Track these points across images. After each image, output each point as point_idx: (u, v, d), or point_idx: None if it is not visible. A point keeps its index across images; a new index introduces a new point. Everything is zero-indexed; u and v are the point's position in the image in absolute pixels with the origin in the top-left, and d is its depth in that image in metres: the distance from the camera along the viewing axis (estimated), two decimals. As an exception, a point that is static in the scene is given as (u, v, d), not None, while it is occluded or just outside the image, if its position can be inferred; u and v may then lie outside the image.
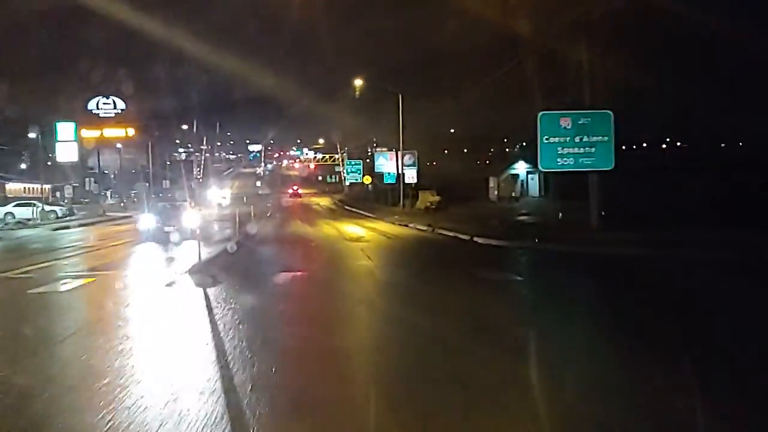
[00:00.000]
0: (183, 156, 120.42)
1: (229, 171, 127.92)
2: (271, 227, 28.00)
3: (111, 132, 57.58)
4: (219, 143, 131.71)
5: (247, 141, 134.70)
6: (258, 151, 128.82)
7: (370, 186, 69.68)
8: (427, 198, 40.98)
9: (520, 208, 39.28)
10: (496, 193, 45.25)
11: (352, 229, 27.37)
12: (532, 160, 47.90)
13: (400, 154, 40.86)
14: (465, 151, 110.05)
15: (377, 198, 59.88)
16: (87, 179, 41.93)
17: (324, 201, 67.55)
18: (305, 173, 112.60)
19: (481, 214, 34.36)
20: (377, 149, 75.98)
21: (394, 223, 30.66)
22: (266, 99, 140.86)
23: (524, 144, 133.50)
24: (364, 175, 63.74)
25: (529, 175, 46.35)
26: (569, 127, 21.22)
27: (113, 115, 59.64)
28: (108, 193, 52.51)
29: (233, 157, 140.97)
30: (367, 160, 75.53)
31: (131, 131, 60.04)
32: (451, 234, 22.14)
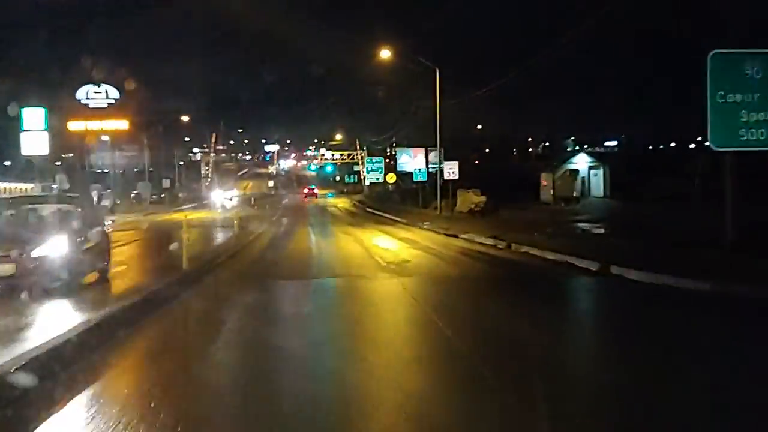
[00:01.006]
0: (198, 156, 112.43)
1: (243, 172, 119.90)
2: (264, 242, 18.95)
3: (101, 125, 49.33)
4: (232, 142, 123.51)
5: (263, 141, 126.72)
6: (272, 152, 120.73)
7: (391, 186, 61.18)
8: (470, 199, 31.89)
9: (587, 212, 30.07)
10: (551, 192, 35.98)
11: (383, 242, 18.42)
12: (595, 152, 38.45)
13: (437, 144, 31.73)
14: (487, 151, 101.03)
15: (403, 199, 51.06)
16: (58, 177, 33.39)
17: (342, 202, 58.63)
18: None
19: (546, 220, 25.42)
20: (396, 147, 67.16)
21: (437, 233, 21.65)
22: (284, 98, 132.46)
23: (547, 144, 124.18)
24: (387, 174, 54.71)
25: (592, 171, 37.00)
26: (758, 75, 12.05)
27: (105, 105, 51.36)
28: (95, 194, 43.97)
29: (248, 157, 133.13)
30: (389, 161, 66.69)
31: (125, 124, 51.75)
32: (549, 257, 12.99)
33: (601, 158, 36.47)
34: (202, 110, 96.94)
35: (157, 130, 68.24)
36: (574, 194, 35.56)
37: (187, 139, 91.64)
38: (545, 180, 37.16)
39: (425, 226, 24.23)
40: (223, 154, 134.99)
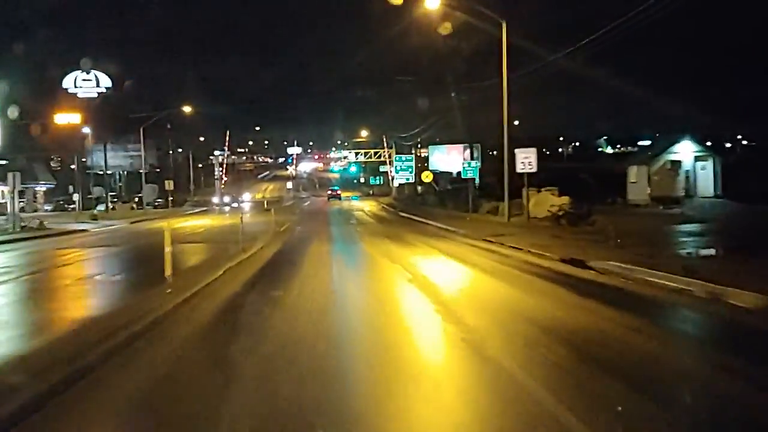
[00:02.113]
0: (220, 159, 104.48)
1: (264, 174, 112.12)
2: (237, 285, 9.08)
3: (91, 117, 40.96)
4: (251, 142, 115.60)
5: (285, 142, 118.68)
6: (292, 155, 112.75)
7: (421, 187, 52.69)
8: (548, 200, 22.74)
9: (712, 218, 20.63)
10: (647, 191, 26.53)
11: (471, 285, 9.42)
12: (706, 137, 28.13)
13: (505, 116, 22.39)
14: (515, 151, 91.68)
15: (441, 201, 42.01)
16: (11, 175, 24.91)
17: (369, 205, 49.57)
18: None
19: (669, 231, 16.45)
20: (421, 149, 58.39)
21: (541, 256, 12.48)
22: (307, 99, 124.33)
23: (578, 144, 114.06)
24: (422, 172, 45.60)
25: (699, 163, 27.29)
26: None
27: (96, 95, 43.21)
28: (76, 197, 35.74)
29: (270, 160, 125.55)
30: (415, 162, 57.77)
31: (119, 117, 43.42)
32: None
33: (710, 147, 26.62)
34: (220, 110, 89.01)
35: (165, 127, 60.06)
36: (681, 193, 26.04)
37: (202, 138, 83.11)
38: (635, 176, 27.67)
39: (507, 243, 15.04)
40: (244, 157, 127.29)
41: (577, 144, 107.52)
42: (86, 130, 34.12)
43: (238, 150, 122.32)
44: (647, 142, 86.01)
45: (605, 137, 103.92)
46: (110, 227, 29.36)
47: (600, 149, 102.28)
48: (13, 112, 31.98)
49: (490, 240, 16.49)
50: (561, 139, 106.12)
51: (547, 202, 22.44)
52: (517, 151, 21.01)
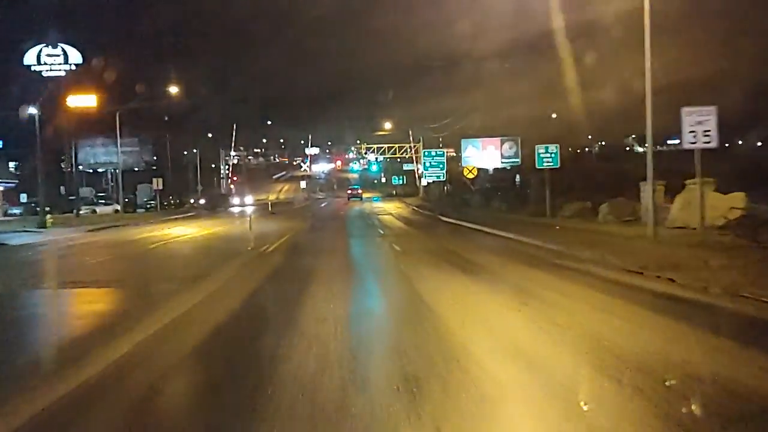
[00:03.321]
0: (235, 159, 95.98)
1: (281, 175, 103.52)
2: None
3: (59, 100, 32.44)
4: (265, 140, 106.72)
5: (302, 142, 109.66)
6: (308, 155, 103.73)
7: (449, 186, 44.11)
8: (718, 201, 13.27)
9: None
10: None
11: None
12: None
13: (648, 59, 12.94)
14: (682, 111, 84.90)
15: (487, 202, 32.78)
16: None
17: (396, 207, 40.21)
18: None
19: None
20: (442, 147, 49.63)
21: None
22: (325, 98, 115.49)
23: (603, 143, 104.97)
24: (464, 168, 36.24)
25: None
26: None
27: (63, 73, 34.68)
28: (23, 197, 27.07)
29: (286, 160, 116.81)
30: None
31: (92, 99, 34.65)
32: None
33: None
34: (234, 108, 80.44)
35: (162, 120, 51.39)
36: None
37: (210, 135, 74.19)
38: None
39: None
40: (261, 158, 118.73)
41: (603, 143, 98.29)
42: (32, 111, 25.30)
43: (255, 150, 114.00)
44: (677, 141, 76.61)
45: (632, 136, 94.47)
46: (52, 239, 20.51)
47: (627, 148, 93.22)
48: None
49: (701, 286, 7.21)
50: (590, 137, 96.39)
51: (720, 203, 13.02)
52: (684, 111, 11.55)
